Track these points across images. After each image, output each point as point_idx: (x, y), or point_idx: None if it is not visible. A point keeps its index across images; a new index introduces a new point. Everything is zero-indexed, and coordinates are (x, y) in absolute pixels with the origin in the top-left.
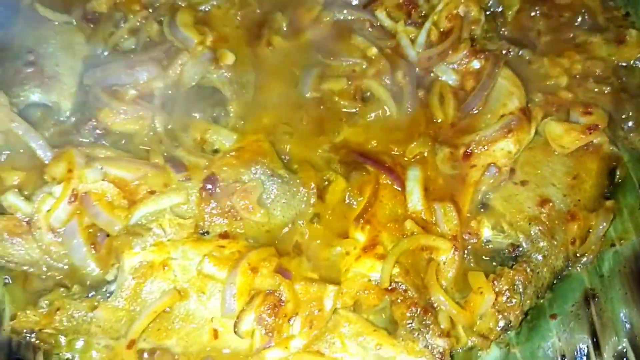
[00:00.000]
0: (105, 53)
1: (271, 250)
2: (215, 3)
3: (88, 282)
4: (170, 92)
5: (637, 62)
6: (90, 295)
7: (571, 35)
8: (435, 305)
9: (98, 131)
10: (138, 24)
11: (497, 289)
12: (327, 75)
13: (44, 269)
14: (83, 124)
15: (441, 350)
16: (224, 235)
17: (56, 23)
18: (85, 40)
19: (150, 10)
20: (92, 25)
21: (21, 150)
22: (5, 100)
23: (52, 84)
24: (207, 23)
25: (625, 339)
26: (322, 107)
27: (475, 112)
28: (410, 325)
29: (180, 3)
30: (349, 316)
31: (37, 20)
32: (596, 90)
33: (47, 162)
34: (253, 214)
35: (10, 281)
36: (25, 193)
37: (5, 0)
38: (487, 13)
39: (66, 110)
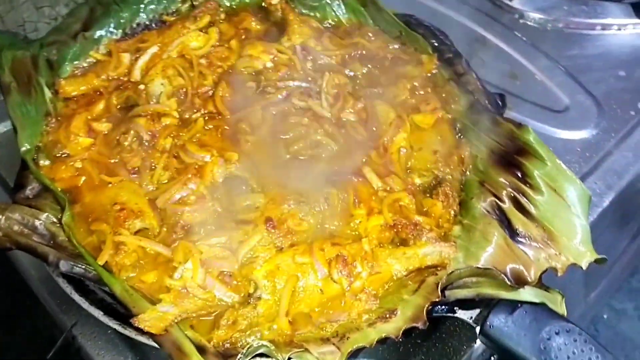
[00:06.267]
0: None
1: (320, 239)
2: (199, 136)
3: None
4: (213, 187)
5: None
6: (249, 302)
7: None
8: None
9: (185, 228)
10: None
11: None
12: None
13: (209, 309)
14: (172, 229)
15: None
16: (292, 245)
17: None
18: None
19: (167, 153)
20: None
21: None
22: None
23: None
24: (205, 144)
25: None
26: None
27: None
28: (411, 235)
29: (177, 142)
30: (378, 249)
31: None
32: None
33: (170, 255)
34: (301, 227)
35: (194, 326)
36: None
37: None
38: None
39: (157, 227)
